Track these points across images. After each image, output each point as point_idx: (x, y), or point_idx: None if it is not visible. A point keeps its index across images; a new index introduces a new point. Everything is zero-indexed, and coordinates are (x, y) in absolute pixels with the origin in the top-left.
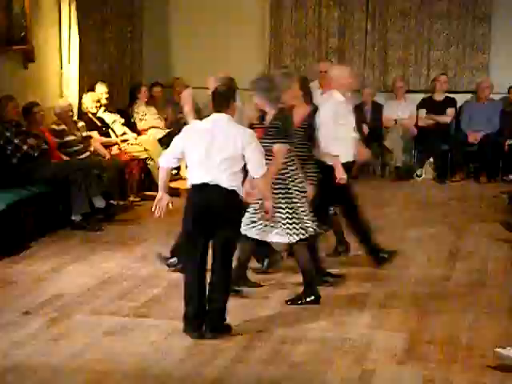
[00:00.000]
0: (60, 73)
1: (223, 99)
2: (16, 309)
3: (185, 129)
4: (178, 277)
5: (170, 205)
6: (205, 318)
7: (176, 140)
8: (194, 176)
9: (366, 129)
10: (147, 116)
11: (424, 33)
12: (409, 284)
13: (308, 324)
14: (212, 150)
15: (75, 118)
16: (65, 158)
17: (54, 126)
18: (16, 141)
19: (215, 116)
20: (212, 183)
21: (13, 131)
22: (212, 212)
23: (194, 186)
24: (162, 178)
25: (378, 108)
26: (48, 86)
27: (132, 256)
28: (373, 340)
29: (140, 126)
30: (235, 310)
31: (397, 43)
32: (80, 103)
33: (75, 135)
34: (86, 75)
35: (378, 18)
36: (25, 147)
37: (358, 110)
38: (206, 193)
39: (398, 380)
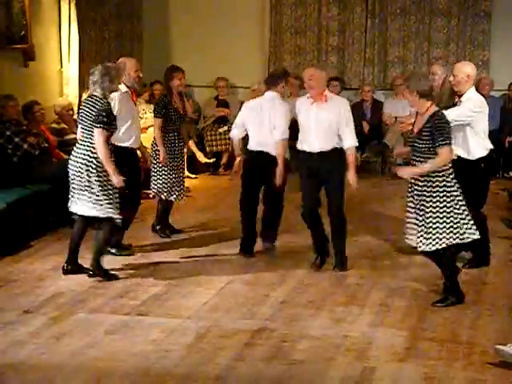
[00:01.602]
0: (60, 71)
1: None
2: (17, 307)
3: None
4: (178, 275)
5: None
6: None
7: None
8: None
9: (366, 126)
10: (147, 114)
11: (424, 30)
12: (409, 281)
13: (309, 322)
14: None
15: (75, 116)
16: (65, 156)
17: (54, 125)
18: (16, 139)
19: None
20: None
21: (13, 130)
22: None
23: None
24: (235, 146)
25: (377, 105)
26: (48, 85)
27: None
28: (373, 337)
29: (140, 124)
30: (235, 308)
31: (396, 41)
32: (80, 102)
33: (75, 134)
34: (86, 74)
35: (378, 15)
36: (25, 146)
37: (358, 107)
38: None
39: (398, 377)
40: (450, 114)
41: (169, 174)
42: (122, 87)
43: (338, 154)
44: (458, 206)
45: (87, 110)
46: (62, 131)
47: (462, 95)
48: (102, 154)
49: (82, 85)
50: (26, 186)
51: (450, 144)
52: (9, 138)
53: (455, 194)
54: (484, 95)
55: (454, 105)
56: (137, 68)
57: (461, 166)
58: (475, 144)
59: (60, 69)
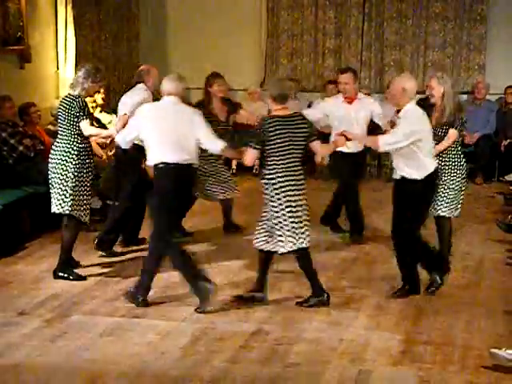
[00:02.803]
0: (56, 73)
1: None
2: (12, 309)
3: None
4: (175, 278)
5: None
6: None
7: None
8: None
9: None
10: None
11: (420, 34)
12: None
13: (304, 324)
14: None
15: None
16: None
17: (50, 127)
18: (12, 141)
19: None
20: None
21: (9, 132)
22: None
23: None
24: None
25: None
26: (44, 87)
27: (128, 256)
28: (369, 341)
29: None
30: (231, 311)
31: (393, 44)
32: None
33: None
34: None
35: (375, 18)
36: (21, 148)
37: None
38: None
39: (394, 381)
40: (388, 140)
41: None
42: (147, 90)
43: None
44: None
45: (65, 109)
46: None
47: (400, 110)
48: (94, 133)
49: None
50: (22, 188)
51: (252, 147)
52: (4, 139)
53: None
54: (479, 99)
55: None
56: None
57: (403, 186)
58: (422, 162)
59: (56, 70)
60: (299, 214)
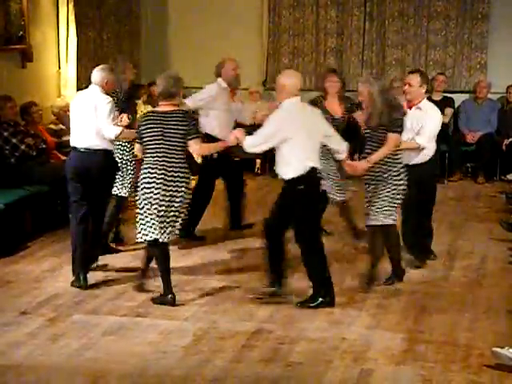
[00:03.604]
0: (58, 72)
1: None
2: (14, 309)
3: None
4: (176, 277)
5: None
6: None
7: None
8: None
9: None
10: None
11: (422, 33)
12: (407, 284)
13: (306, 324)
14: None
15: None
16: (63, 157)
17: (51, 126)
18: (14, 140)
19: None
20: None
21: (11, 131)
22: None
23: None
24: None
25: None
26: (46, 86)
27: (129, 255)
28: (371, 340)
29: None
30: (233, 310)
31: (394, 43)
32: None
33: None
34: (84, 75)
35: (376, 17)
36: (23, 147)
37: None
38: None
39: (396, 380)
40: (251, 141)
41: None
42: (222, 83)
43: None
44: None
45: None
46: (59, 132)
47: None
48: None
49: (80, 85)
50: (24, 187)
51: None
52: (6, 138)
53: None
54: (481, 98)
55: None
56: (234, 67)
57: (284, 186)
58: (294, 161)
59: (58, 70)
60: (154, 209)
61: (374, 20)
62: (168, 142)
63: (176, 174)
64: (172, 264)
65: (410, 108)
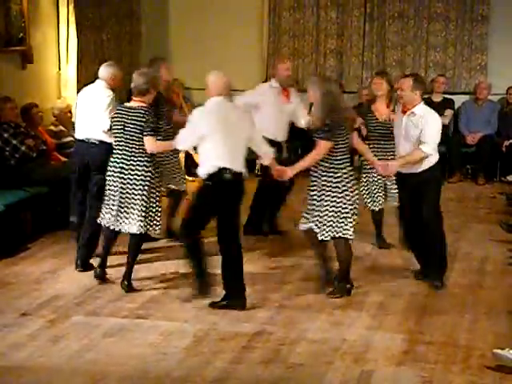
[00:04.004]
0: (58, 74)
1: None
2: (14, 310)
3: None
4: (177, 278)
5: None
6: None
7: None
8: None
9: (364, 130)
10: None
11: (422, 34)
12: (407, 285)
13: (307, 325)
14: None
15: (73, 119)
16: (63, 159)
17: (52, 127)
18: (14, 142)
19: None
20: None
21: (11, 132)
22: None
23: None
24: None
25: None
26: (46, 87)
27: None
28: (372, 341)
29: None
30: (233, 311)
31: (395, 44)
32: None
33: (73, 136)
34: (85, 76)
35: (376, 19)
36: (23, 148)
37: (357, 110)
38: None
39: (396, 381)
40: (179, 138)
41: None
42: (274, 83)
43: None
44: None
45: None
46: (60, 133)
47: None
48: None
49: (80, 87)
50: (24, 189)
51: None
52: (7, 140)
53: None
54: (481, 99)
55: None
56: (287, 67)
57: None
58: (206, 159)
59: (58, 71)
60: (113, 200)
61: (374, 21)
62: (127, 135)
63: (134, 167)
64: (172, 264)
65: (404, 113)
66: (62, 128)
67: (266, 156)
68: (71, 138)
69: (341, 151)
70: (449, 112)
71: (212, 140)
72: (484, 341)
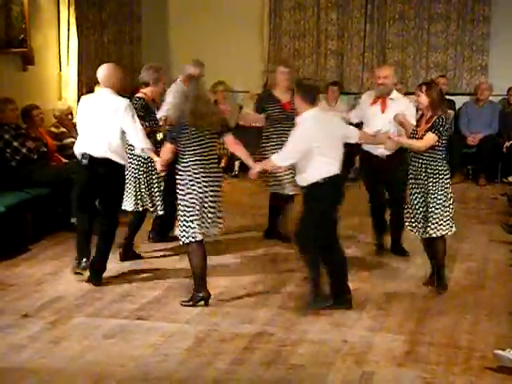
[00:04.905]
0: (59, 75)
1: None
2: (15, 311)
3: None
4: (177, 279)
5: None
6: None
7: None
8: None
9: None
10: None
11: (422, 35)
12: (408, 286)
13: (308, 326)
14: None
15: (74, 120)
16: (64, 160)
17: (53, 129)
18: (15, 143)
19: None
20: None
21: (12, 134)
22: None
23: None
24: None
25: None
26: (47, 89)
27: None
28: (372, 342)
29: None
30: (234, 312)
31: (395, 45)
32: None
33: (74, 138)
34: (85, 77)
35: (377, 20)
36: (24, 150)
37: None
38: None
39: (397, 382)
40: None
41: None
42: (371, 92)
43: None
44: None
45: None
46: (60, 135)
47: None
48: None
49: (81, 88)
50: (25, 190)
51: None
52: (7, 141)
53: None
54: (482, 100)
55: None
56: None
57: None
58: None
59: (59, 72)
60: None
61: (374, 22)
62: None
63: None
64: (172, 265)
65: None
66: (62, 129)
67: (137, 148)
68: (72, 140)
69: (188, 152)
70: (450, 113)
71: (83, 128)
72: (485, 342)
